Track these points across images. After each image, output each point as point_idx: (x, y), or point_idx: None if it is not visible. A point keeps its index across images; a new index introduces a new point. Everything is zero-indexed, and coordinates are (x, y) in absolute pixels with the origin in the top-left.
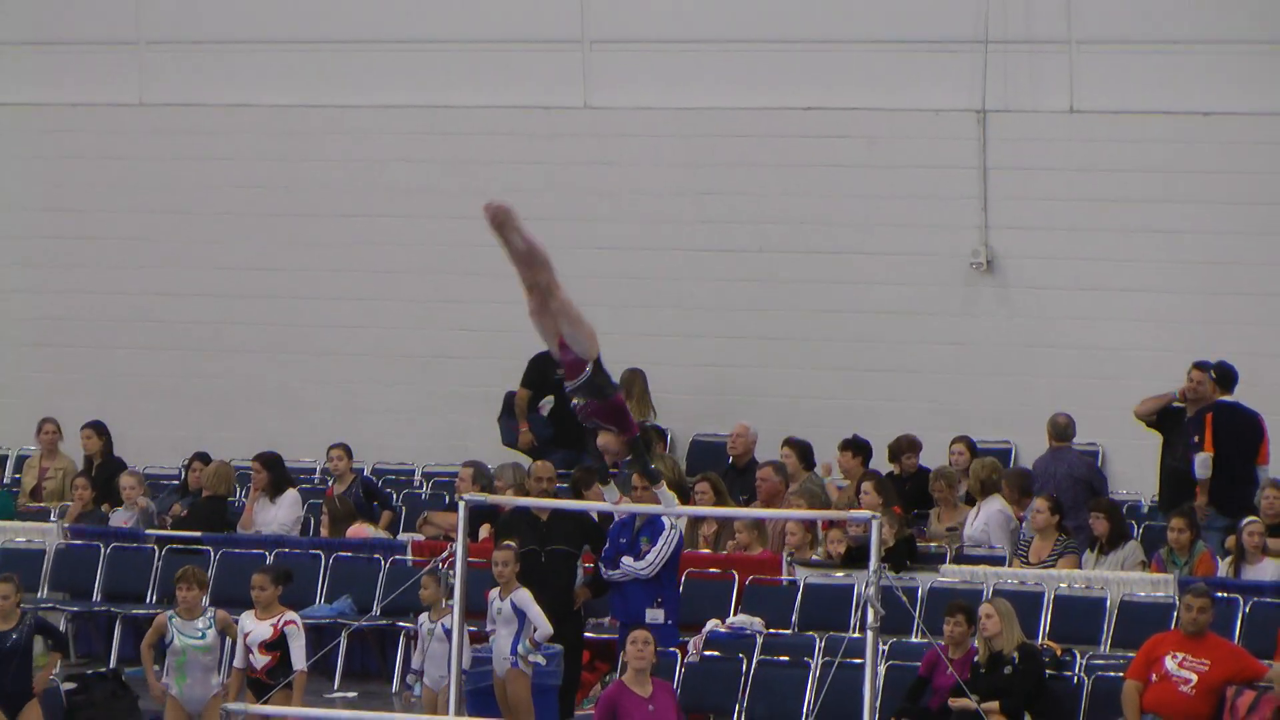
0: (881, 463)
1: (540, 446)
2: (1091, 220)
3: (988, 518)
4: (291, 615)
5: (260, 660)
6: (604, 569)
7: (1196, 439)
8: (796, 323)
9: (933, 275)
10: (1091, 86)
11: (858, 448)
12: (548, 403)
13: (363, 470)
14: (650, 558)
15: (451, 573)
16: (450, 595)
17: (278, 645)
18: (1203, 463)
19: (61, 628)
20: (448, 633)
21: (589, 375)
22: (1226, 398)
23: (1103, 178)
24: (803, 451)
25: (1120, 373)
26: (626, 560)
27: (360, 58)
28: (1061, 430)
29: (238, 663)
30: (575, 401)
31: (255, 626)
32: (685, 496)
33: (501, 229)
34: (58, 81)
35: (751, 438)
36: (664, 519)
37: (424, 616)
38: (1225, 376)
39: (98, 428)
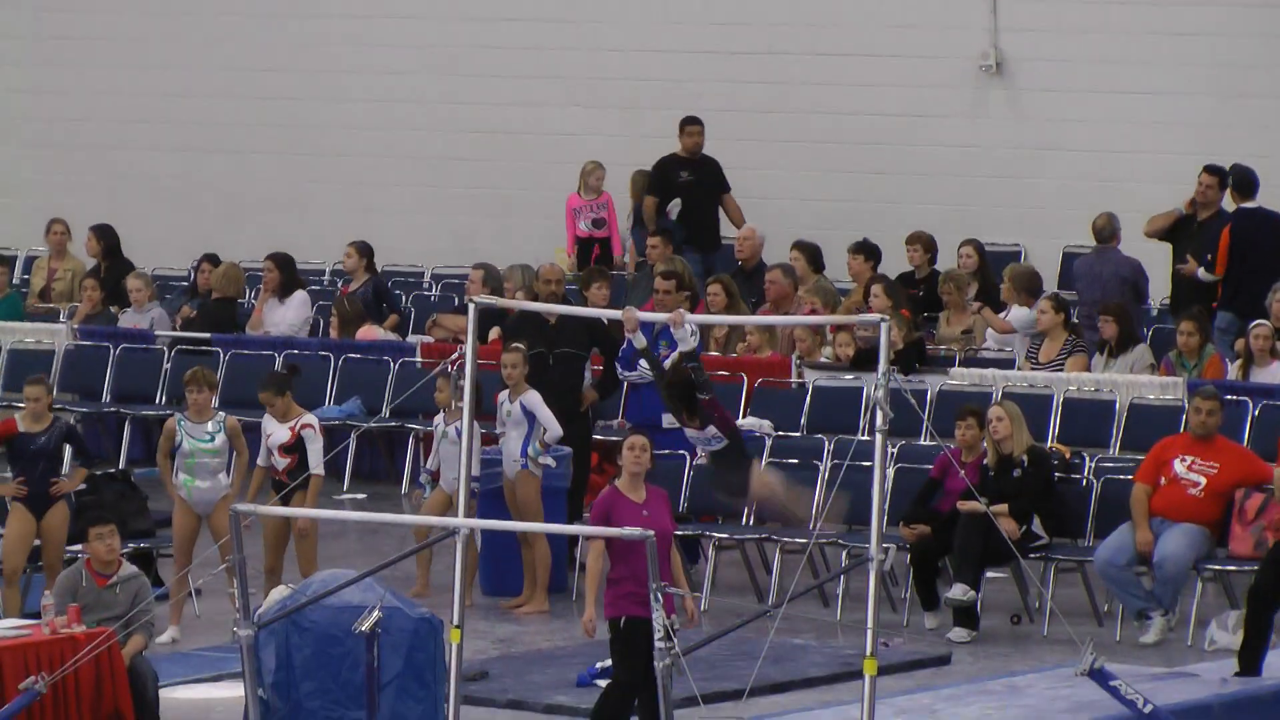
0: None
1: (674, 249)
2: (1102, 22)
3: (1024, 324)
4: (309, 419)
5: (281, 462)
6: (621, 369)
7: (1210, 257)
8: (805, 125)
9: (942, 77)
10: None
11: (867, 251)
12: (675, 205)
13: (376, 271)
14: (669, 363)
15: (461, 375)
16: (461, 397)
17: (296, 448)
18: (1205, 278)
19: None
20: (459, 434)
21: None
22: (1247, 204)
23: None
24: (811, 254)
25: (1131, 176)
26: (643, 365)
27: None
28: (1103, 230)
29: (260, 462)
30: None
31: (275, 429)
32: (696, 300)
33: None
34: None
35: (759, 240)
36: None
37: (439, 418)
38: (1242, 181)
39: (101, 230)
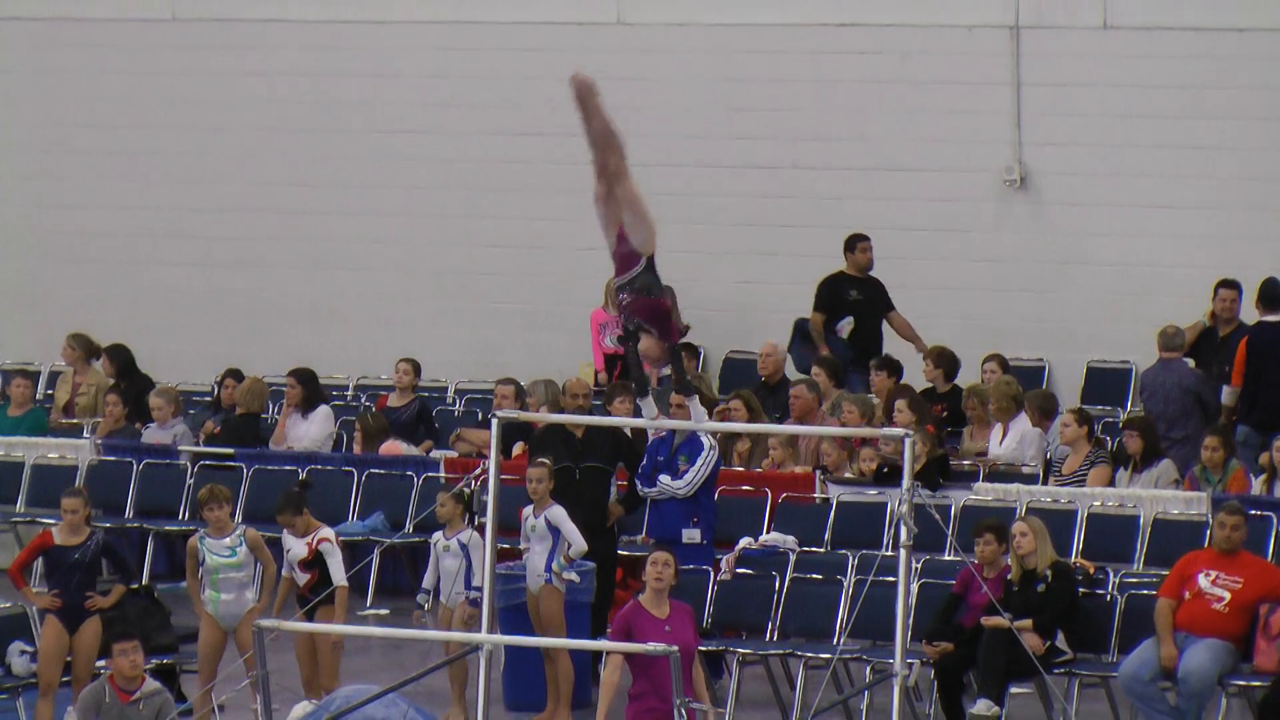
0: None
1: (843, 369)
2: (1125, 137)
3: (1021, 434)
4: (326, 532)
5: (302, 578)
6: (640, 486)
7: (1227, 369)
8: (829, 239)
9: (966, 192)
10: (1125, 2)
11: (890, 366)
12: (846, 323)
13: (423, 394)
14: (689, 476)
15: (485, 490)
16: (481, 511)
17: (315, 563)
18: (1229, 394)
19: None
20: (463, 548)
21: (640, 270)
22: (1270, 317)
23: (1136, 94)
24: (834, 369)
25: (1153, 289)
26: (664, 478)
27: None
28: (1170, 340)
29: (285, 571)
30: (621, 297)
31: (294, 544)
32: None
33: (585, 103)
34: None
35: (781, 355)
36: (703, 439)
37: (438, 534)
38: (1269, 295)
39: (112, 351)
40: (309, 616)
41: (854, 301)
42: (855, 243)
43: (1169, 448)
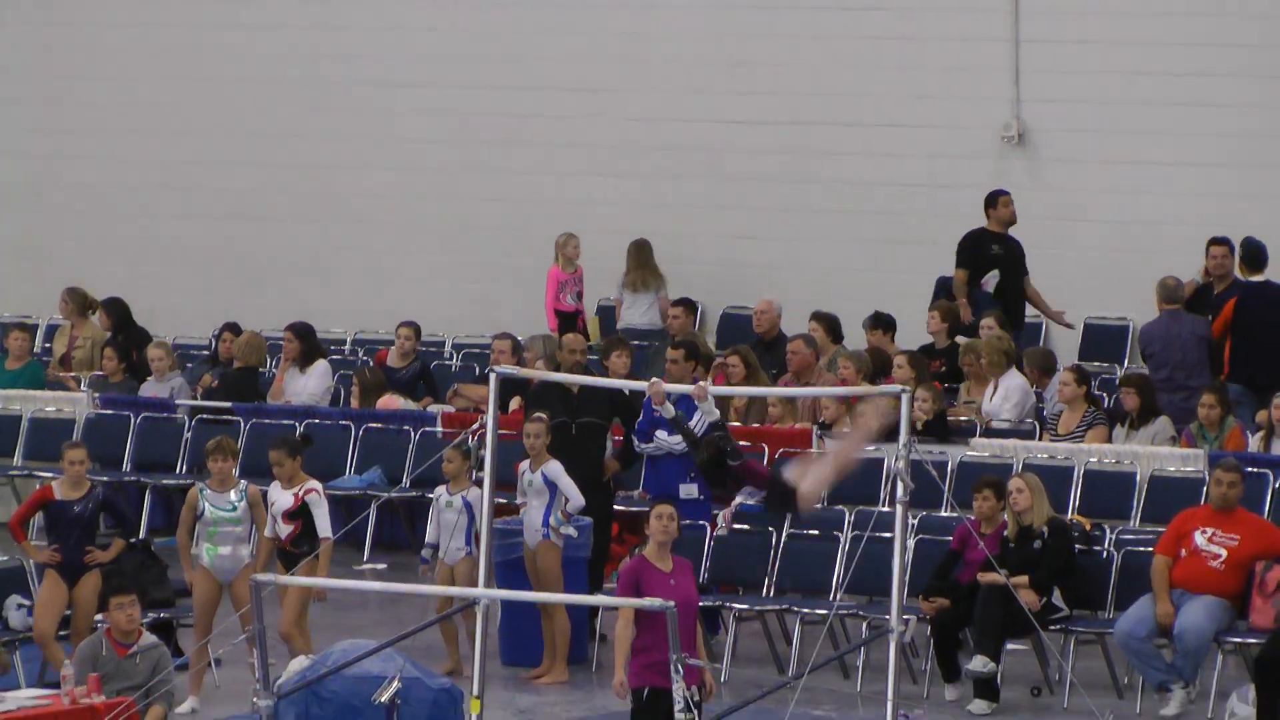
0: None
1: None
2: (1123, 94)
3: (1006, 392)
4: (313, 484)
5: (284, 529)
6: (637, 442)
7: (1210, 317)
8: (826, 195)
9: (964, 148)
10: None
11: (884, 324)
12: (992, 278)
13: (423, 352)
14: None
15: (482, 445)
16: (480, 467)
17: (300, 514)
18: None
19: None
20: (467, 505)
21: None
22: (1255, 277)
23: (1135, 51)
24: (830, 325)
25: (1151, 247)
26: (661, 434)
27: None
28: (1172, 292)
29: (266, 533)
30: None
31: (279, 496)
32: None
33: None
34: None
35: (776, 312)
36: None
37: (441, 489)
38: (1251, 255)
39: (109, 305)
40: (288, 569)
41: (996, 256)
42: (996, 198)
43: (1187, 396)
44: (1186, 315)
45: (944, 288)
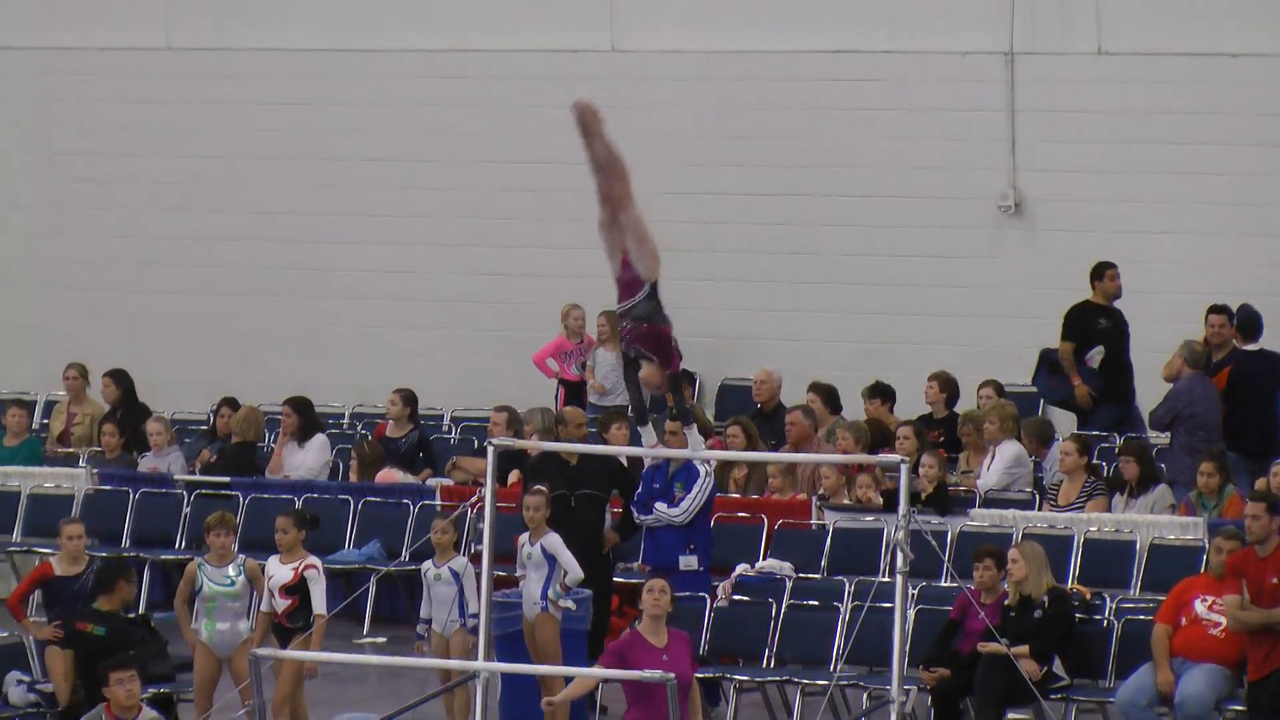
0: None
1: (1091, 399)
2: (1120, 163)
3: (1003, 462)
4: (313, 560)
5: (281, 604)
6: (636, 513)
7: None
8: (824, 266)
9: (961, 218)
10: (1119, 28)
11: (882, 393)
12: (1097, 352)
13: (422, 421)
14: (685, 504)
15: (480, 518)
16: (477, 540)
17: (298, 589)
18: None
19: None
20: (455, 575)
21: (644, 297)
22: (1250, 346)
23: (1131, 119)
24: (828, 395)
25: (1149, 315)
26: (660, 506)
27: (385, 1)
28: (1200, 357)
29: (263, 607)
30: (622, 324)
31: (278, 570)
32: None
33: (588, 129)
34: (86, 25)
35: (776, 382)
36: (699, 466)
37: (428, 563)
38: (1246, 324)
39: (116, 375)
40: (284, 644)
41: (1103, 330)
42: (1104, 270)
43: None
44: (1209, 380)
45: (1046, 360)
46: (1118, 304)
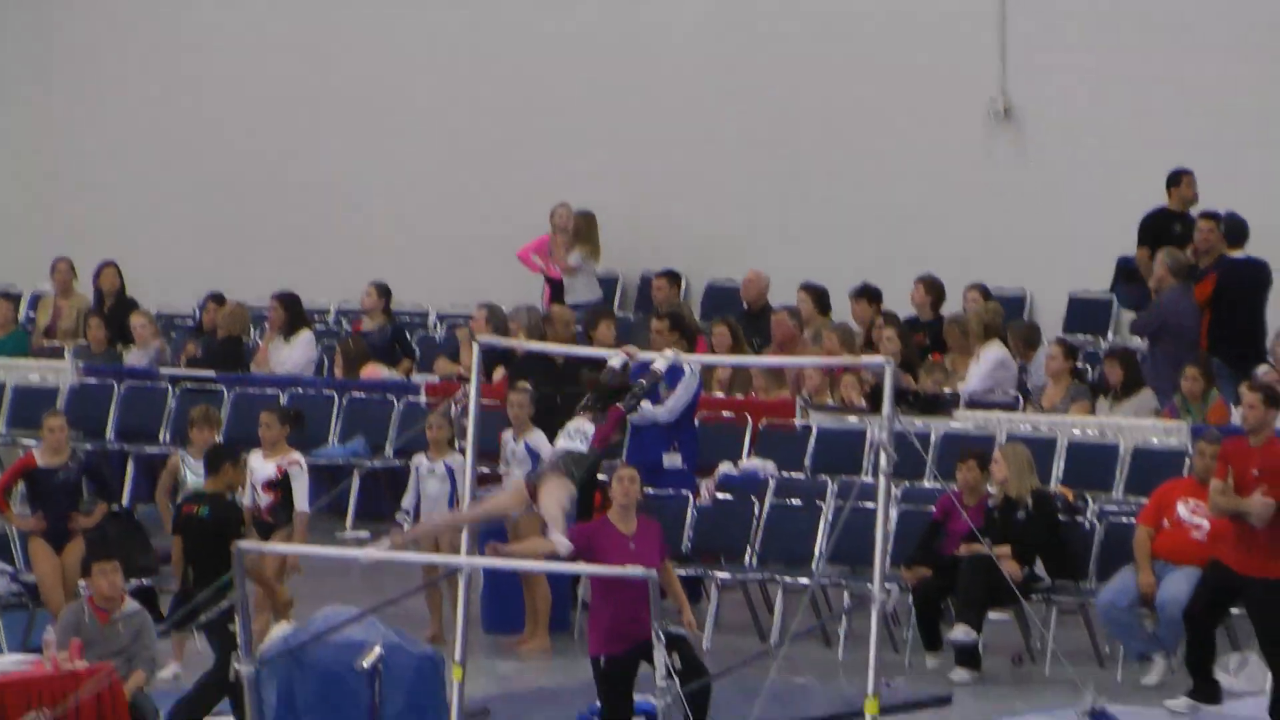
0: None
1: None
2: (1112, 69)
3: (987, 365)
4: (296, 456)
5: (264, 499)
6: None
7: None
8: (813, 168)
9: (951, 121)
10: None
11: (869, 295)
12: None
13: (397, 313)
14: (670, 403)
15: (464, 413)
16: (462, 435)
17: (280, 485)
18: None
19: None
20: (450, 471)
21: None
22: (1236, 253)
23: (1122, 25)
24: (818, 296)
25: (1136, 221)
26: (645, 405)
27: None
28: (1181, 266)
29: (245, 502)
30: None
31: (261, 465)
32: (694, 343)
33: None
34: None
35: (764, 283)
36: (685, 365)
37: (420, 456)
38: (1234, 230)
39: (112, 269)
40: (265, 540)
41: (1179, 236)
42: (1180, 177)
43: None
44: (1191, 291)
45: (1123, 268)
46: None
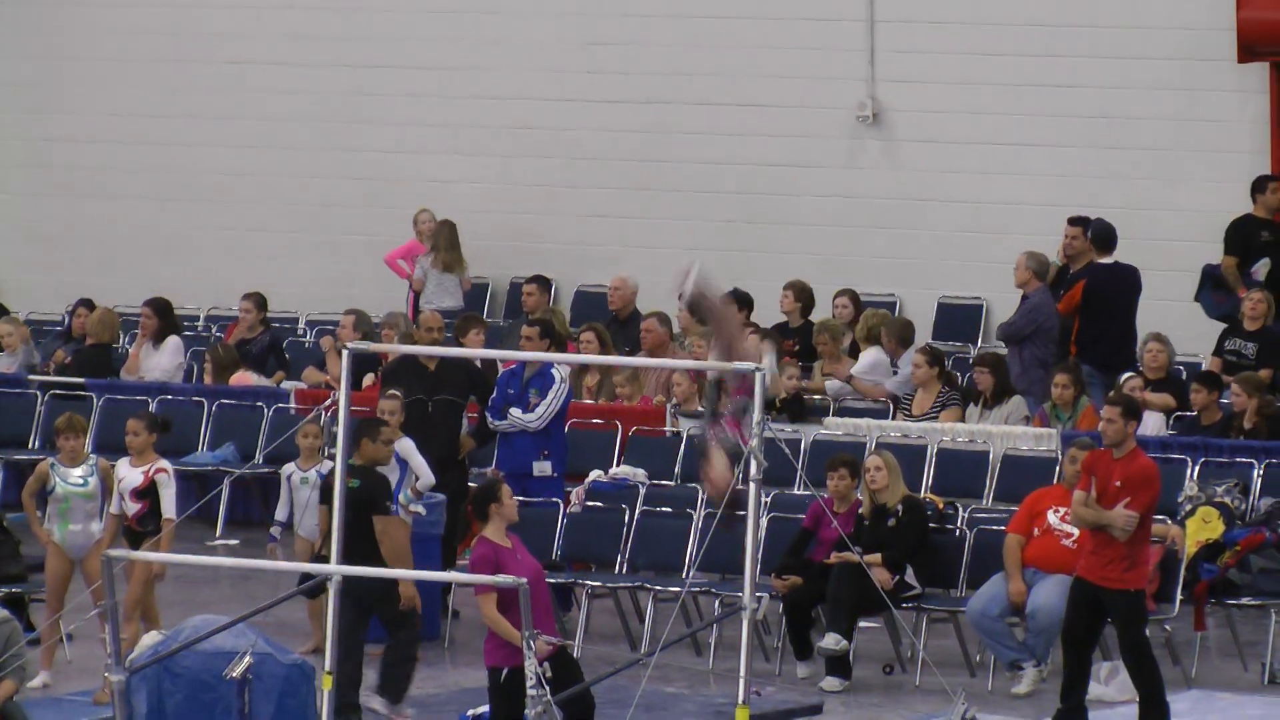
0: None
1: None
2: (979, 74)
3: (862, 367)
4: (163, 463)
5: (132, 507)
6: (490, 419)
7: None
8: (682, 174)
9: (819, 128)
10: None
11: (739, 300)
12: (1262, 265)
13: (274, 325)
14: (540, 410)
15: (334, 421)
16: (332, 444)
17: (148, 493)
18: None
19: None
20: (322, 479)
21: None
22: (1104, 259)
23: (989, 31)
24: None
25: (1006, 227)
26: (515, 411)
27: None
28: (1044, 268)
29: (113, 509)
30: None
31: (129, 473)
32: (563, 349)
33: (698, 309)
34: None
35: (631, 289)
36: (554, 372)
37: (291, 466)
38: (1101, 237)
39: None
40: (134, 548)
41: (1266, 243)
42: (1265, 183)
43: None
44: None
45: (1210, 276)
46: None
